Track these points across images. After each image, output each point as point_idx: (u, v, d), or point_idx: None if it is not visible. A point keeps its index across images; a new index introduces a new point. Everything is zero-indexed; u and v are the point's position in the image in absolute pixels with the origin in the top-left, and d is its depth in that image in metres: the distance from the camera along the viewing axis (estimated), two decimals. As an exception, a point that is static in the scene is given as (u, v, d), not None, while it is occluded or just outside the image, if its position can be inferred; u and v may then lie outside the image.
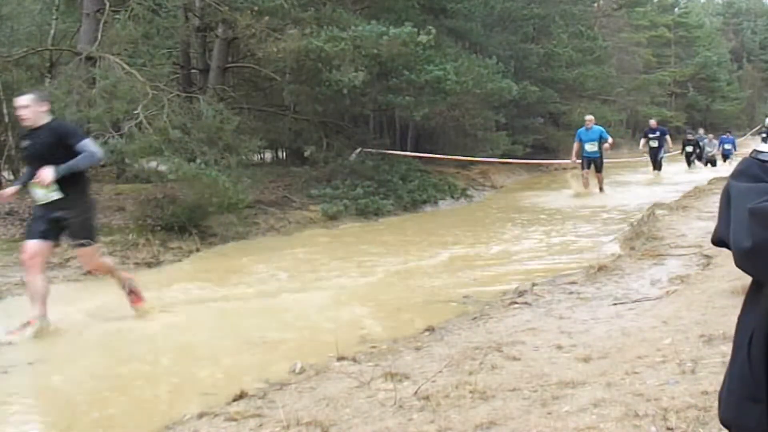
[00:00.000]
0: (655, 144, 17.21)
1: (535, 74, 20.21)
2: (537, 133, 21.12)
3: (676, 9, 40.47)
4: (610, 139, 13.44)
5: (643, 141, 17.68)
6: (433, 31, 11.30)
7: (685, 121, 33.33)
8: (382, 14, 12.84)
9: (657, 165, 17.31)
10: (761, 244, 0.96)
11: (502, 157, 16.61)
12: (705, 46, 39.80)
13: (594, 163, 13.30)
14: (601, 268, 5.98)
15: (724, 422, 1.09)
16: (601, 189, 13.45)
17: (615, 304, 4.76)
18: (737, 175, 1.10)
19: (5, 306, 5.96)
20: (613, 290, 5.17)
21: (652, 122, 18.02)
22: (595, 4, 28.65)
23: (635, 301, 4.73)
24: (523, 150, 19.02)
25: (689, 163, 20.29)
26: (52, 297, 5.49)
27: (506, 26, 20.29)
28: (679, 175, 17.21)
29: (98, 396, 4.09)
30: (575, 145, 13.56)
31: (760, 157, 1.09)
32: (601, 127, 13.54)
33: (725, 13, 51.23)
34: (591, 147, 13.23)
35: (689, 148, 20.58)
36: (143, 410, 3.79)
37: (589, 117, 13.68)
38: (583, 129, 13.56)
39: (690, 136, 21.32)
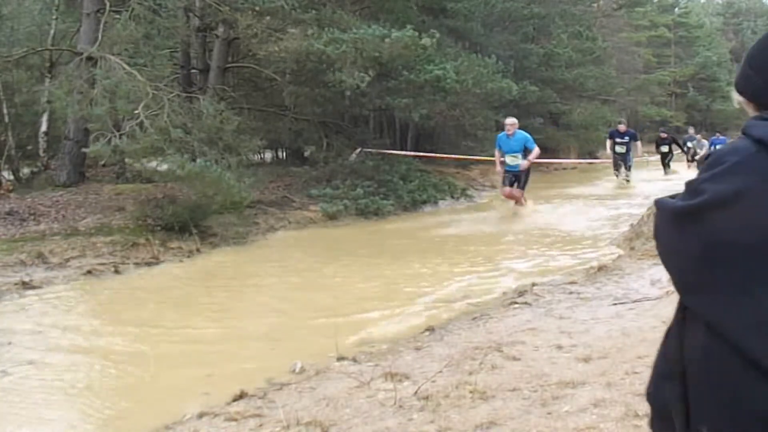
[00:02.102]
0: (622, 149, 15.01)
1: (534, 74, 20.20)
2: (537, 133, 20.97)
3: (676, 9, 40.45)
4: (535, 151, 10.49)
5: (609, 143, 15.33)
6: (437, 34, 11.28)
7: (686, 121, 33.31)
8: (381, 15, 12.84)
9: (626, 173, 15.06)
10: (655, 232, 1.14)
11: (502, 157, 16.57)
12: (705, 46, 39.79)
13: (517, 179, 10.48)
14: (601, 268, 5.99)
15: (647, 398, 1.19)
16: (515, 206, 10.66)
17: (615, 304, 4.77)
18: None
19: (5, 306, 5.95)
20: (613, 290, 5.17)
21: (621, 126, 15.66)
22: (595, 5, 28.64)
23: (635, 301, 4.74)
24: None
25: (665, 166, 17.85)
26: (53, 298, 5.48)
27: (506, 26, 20.29)
28: (652, 184, 14.67)
29: (98, 396, 4.10)
30: (496, 153, 10.73)
31: None
32: (526, 134, 10.63)
33: (725, 13, 51.23)
34: (513, 159, 10.32)
35: (664, 148, 17.95)
36: (144, 410, 3.79)
37: (511, 120, 10.55)
38: (503, 135, 10.57)
39: (664, 134, 18.46)
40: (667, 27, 37.58)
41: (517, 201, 10.65)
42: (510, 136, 10.40)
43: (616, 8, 30.03)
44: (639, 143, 15.61)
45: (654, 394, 1.17)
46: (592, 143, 23.50)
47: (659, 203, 1.15)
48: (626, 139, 15.03)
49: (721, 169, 1.06)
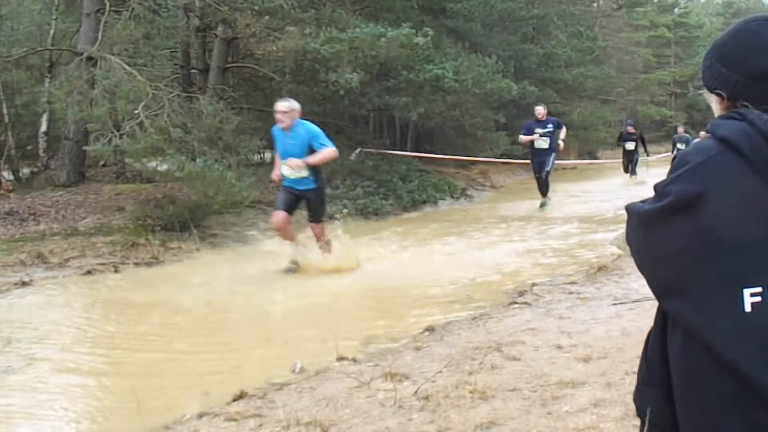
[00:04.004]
0: (544, 144, 11.08)
1: (534, 74, 20.22)
2: (537, 133, 21.12)
3: (676, 9, 40.48)
4: (325, 152, 6.47)
5: (522, 138, 11.46)
6: (431, 32, 11.27)
7: (685, 121, 33.36)
8: (381, 14, 12.86)
9: (544, 183, 11.36)
10: (627, 239, 1.17)
11: (501, 157, 16.61)
12: (705, 46, 39.71)
13: (306, 200, 6.75)
14: (601, 268, 6.00)
15: (635, 404, 1.24)
16: (299, 248, 6.87)
17: (615, 304, 4.77)
18: None
19: (5, 306, 5.95)
20: (613, 290, 5.18)
21: (539, 110, 11.41)
22: (595, 4, 28.66)
23: (635, 301, 4.74)
24: (522, 150, 18.98)
25: (626, 168, 15.37)
26: (53, 298, 5.47)
27: (506, 26, 20.30)
28: (602, 197, 12.22)
29: (98, 395, 4.10)
30: (275, 157, 7.09)
31: None
32: (313, 128, 6.60)
33: (725, 13, 51.19)
34: (291, 170, 6.50)
35: (629, 145, 15.24)
36: (143, 410, 3.79)
37: (283, 105, 6.55)
38: (278, 129, 6.60)
39: (631, 128, 15.68)
40: (667, 27, 37.62)
41: (317, 239, 6.90)
42: (286, 130, 6.48)
43: (616, 8, 30.06)
44: (564, 129, 11.78)
45: (638, 400, 1.18)
46: (592, 143, 23.57)
47: (628, 208, 1.16)
48: (549, 127, 11.22)
49: (684, 170, 1.05)
